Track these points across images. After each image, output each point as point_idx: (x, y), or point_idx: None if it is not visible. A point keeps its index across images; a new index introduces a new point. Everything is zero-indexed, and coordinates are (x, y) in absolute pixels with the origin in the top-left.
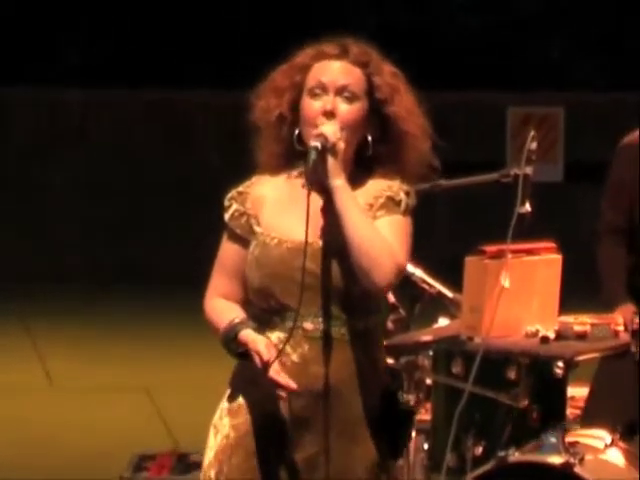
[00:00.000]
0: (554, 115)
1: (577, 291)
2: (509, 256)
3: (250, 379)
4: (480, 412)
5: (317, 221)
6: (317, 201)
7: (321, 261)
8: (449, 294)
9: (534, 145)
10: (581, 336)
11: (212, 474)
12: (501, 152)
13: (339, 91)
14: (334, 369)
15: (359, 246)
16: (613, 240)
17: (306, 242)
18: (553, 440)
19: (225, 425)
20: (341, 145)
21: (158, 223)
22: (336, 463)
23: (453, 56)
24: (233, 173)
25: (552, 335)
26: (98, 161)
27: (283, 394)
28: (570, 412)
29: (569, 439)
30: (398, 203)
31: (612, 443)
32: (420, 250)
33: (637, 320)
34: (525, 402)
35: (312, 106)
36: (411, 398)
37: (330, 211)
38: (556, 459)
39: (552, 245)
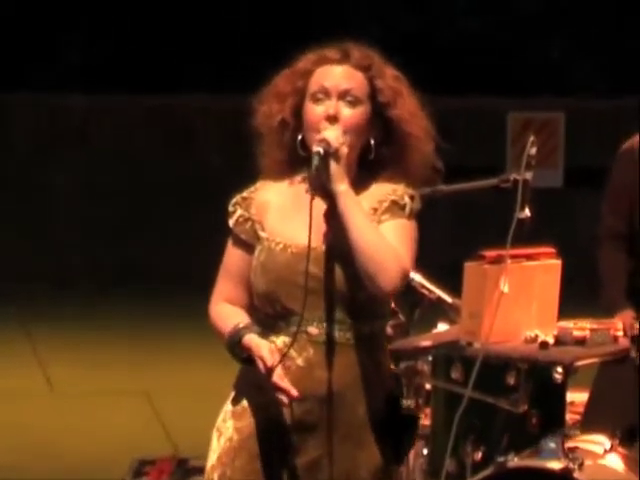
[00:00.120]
0: (554, 120)
1: (576, 296)
2: (508, 261)
3: (254, 383)
4: (479, 417)
5: (321, 226)
6: (321, 206)
7: (325, 265)
8: (448, 299)
9: (534, 150)
10: (580, 341)
11: (215, 477)
12: (501, 157)
13: (341, 95)
14: (339, 373)
15: (364, 251)
16: (613, 245)
17: (309, 246)
18: (552, 445)
19: (229, 428)
20: (344, 150)
21: (158, 224)
22: (340, 467)
23: (454, 59)
24: (233, 173)
25: (551, 340)
26: (98, 162)
27: (285, 400)
28: (570, 417)
29: (568, 444)
30: (403, 207)
31: (612, 448)
32: (419, 255)
33: (637, 326)
34: (524, 407)
35: (315, 111)
36: (410, 403)
37: (334, 216)
38: (555, 464)
39: (551, 250)
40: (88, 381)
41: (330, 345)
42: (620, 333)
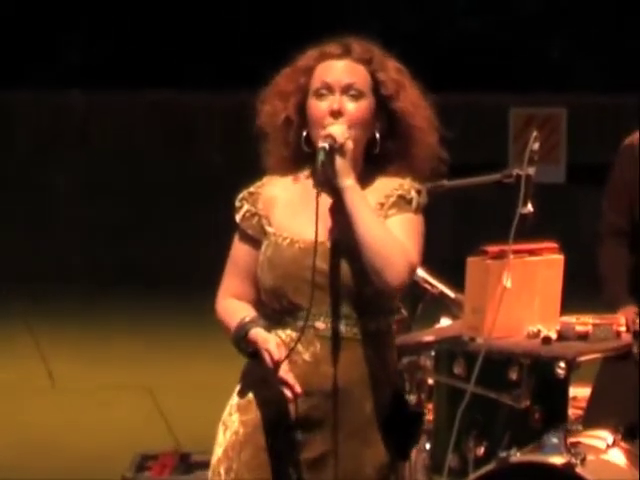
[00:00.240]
0: (556, 116)
1: (579, 291)
2: (511, 257)
3: (260, 377)
4: (482, 413)
5: (328, 221)
6: (328, 201)
7: (331, 260)
8: (451, 294)
9: (536, 146)
10: (583, 337)
11: (222, 470)
12: (503, 153)
13: (345, 90)
14: (345, 369)
15: (371, 246)
16: (615, 241)
17: (316, 241)
18: (555, 440)
19: (234, 421)
20: (349, 145)
21: (158, 223)
22: (345, 463)
23: (455, 57)
24: (234, 173)
25: (554, 336)
26: (99, 162)
27: (290, 395)
28: (572, 412)
29: (571, 439)
30: (409, 201)
31: (614, 444)
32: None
33: (639, 321)
34: (527, 403)
35: (319, 107)
36: (413, 398)
37: (340, 211)
38: (558, 459)
39: (554, 246)
40: (90, 376)
41: (336, 340)
42: (623, 328)
